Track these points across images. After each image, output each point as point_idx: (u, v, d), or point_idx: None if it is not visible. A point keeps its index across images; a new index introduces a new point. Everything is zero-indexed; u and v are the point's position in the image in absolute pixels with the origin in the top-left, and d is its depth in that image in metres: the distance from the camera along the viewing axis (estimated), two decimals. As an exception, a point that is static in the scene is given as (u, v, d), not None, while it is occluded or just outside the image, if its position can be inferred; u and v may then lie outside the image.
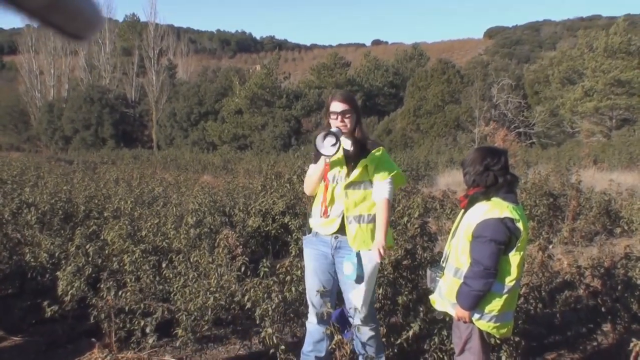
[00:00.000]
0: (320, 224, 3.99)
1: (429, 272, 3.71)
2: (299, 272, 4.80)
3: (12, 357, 4.85)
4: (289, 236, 7.60)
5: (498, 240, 3.35)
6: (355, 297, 3.84)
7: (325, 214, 3.95)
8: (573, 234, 9.39)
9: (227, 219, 8.01)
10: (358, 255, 3.83)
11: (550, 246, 7.69)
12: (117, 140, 50.97)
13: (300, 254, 6.64)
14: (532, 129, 44.49)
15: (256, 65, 64.36)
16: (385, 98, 59.27)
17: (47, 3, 0.65)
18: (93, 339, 4.95)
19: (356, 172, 3.84)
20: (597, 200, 10.61)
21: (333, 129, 3.75)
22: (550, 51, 64.01)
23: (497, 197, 3.49)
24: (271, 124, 46.25)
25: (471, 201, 3.56)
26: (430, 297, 3.78)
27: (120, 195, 9.33)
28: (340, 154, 3.85)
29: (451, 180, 21.16)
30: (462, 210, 3.68)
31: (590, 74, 40.44)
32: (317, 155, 3.92)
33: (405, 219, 5.96)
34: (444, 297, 3.60)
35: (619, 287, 4.78)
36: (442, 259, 3.76)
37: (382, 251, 3.75)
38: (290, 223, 7.81)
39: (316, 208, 4.07)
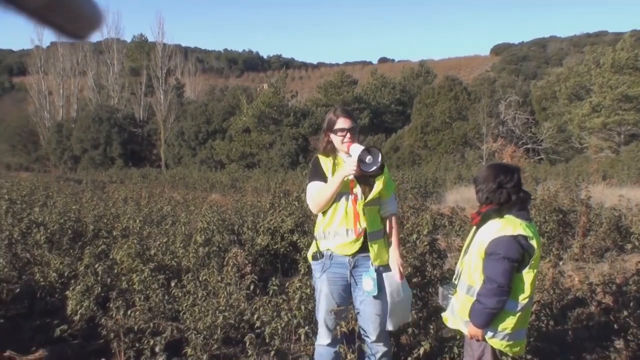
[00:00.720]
0: (344, 244, 3.87)
1: (440, 289, 3.69)
2: (308, 290, 4.77)
3: (21, 377, 4.84)
4: (298, 254, 7.59)
5: (511, 258, 3.33)
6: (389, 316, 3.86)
7: (356, 231, 3.83)
8: (583, 250, 9.33)
9: (235, 238, 8.01)
10: (377, 270, 3.83)
11: (561, 263, 7.65)
12: (126, 160, 51.17)
13: (308, 272, 6.64)
14: (540, 145, 44.40)
15: (263, 84, 64.57)
16: (392, 115, 59.33)
17: (47, 3, 0.65)
18: (102, 359, 4.94)
19: (377, 189, 3.82)
20: (607, 216, 10.55)
21: (358, 149, 3.71)
22: (557, 67, 64.12)
23: (510, 215, 3.48)
24: (279, 142, 46.34)
25: (483, 218, 3.54)
26: (443, 314, 3.75)
27: (129, 215, 9.36)
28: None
29: (459, 197, 21.11)
30: (474, 228, 3.66)
31: (598, 90, 40.37)
32: (321, 176, 3.89)
33: (415, 236, 5.94)
34: (457, 314, 3.57)
35: (631, 304, 4.74)
36: (454, 277, 3.73)
37: (402, 269, 3.83)
38: (299, 241, 7.79)
39: (334, 228, 3.91)
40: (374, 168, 3.66)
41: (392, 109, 59.81)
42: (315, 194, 3.92)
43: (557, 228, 9.60)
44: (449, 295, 3.64)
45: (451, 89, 47.41)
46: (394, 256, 3.88)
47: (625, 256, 9.46)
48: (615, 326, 4.81)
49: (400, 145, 48.32)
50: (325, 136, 4.02)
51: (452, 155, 42.96)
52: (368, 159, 3.66)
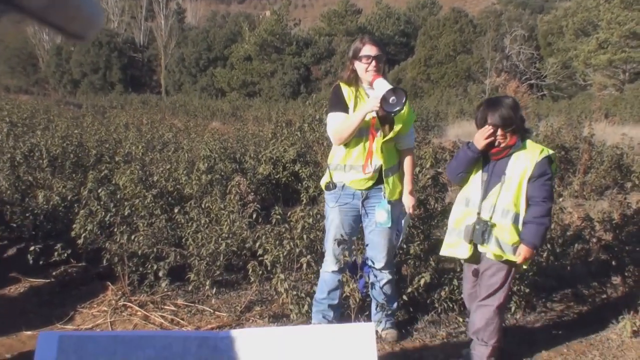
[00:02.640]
0: (359, 179, 3.88)
1: (477, 227, 3.69)
2: (311, 220, 4.80)
3: (27, 298, 4.92)
4: (300, 184, 7.61)
5: (554, 176, 3.67)
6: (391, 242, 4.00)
7: (367, 169, 3.85)
8: (584, 187, 9.36)
9: (237, 166, 8.01)
10: (390, 202, 3.88)
11: (561, 199, 7.69)
12: (126, 85, 50.76)
13: (310, 202, 6.67)
14: (544, 80, 44.03)
15: (266, 11, 63.46)
16: (396, 47, 58.47)
17: (47, 3, 0.63)
18: (107, 282, 5.02)
19: (396, 128, 3.79)
20: (609, 154, 10.54)
21: (389, 85, 3.62)
22: (565, 1, 62.75)
23: (529, 140, 3.68)
24: (280, 71, 45.91)
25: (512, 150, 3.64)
26: (482, 249, 3.75)
27: (131, 140, 9.35)
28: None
29: (461, 131, 21.07)
30: (491, 163, 3.68)
31: (605, 26, 39.69)
32: (343, 106, 3.85)
33: (417, 169, 5.94)
34: (505, 244, 3.61)
35: (630, 241, 4.78)
36: (478, 212, 3.71)
37: (412, 210, 3.95)
38: (300, 171, 7.80)
39: (350, 162, 3.91)
40: (397, 109, 3.59)
41: (396, 41, 58.90)
42: (337, 126, 3.84)
43: (559, 165, 9.60)
44: (488, 229, 3.65)
45: (457, 21, 46.65)
46: (407, 198, 3.95)
47: (625, 194, 9.51)
48: (613, 263, 4.87)
49: (402, 77, 47.85)
50: (350, 64, 3.92)
51: (455, 89, 42.64)
52: (392, 99, 3.55)
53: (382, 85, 3.62)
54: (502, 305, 3.80)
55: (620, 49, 38.80)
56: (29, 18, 0.64)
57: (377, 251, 4.03)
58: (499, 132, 3.55)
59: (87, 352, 1.09)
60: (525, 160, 3.56)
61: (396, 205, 3.95)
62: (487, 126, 3.57)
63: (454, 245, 3.82)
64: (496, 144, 3.61)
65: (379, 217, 3.88)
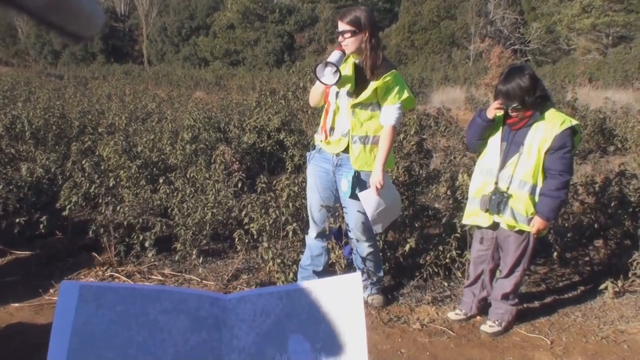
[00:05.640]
0: (325, 141, 3.98)
1: (493, 197, 3.72)
2: (296, 188, 4.82)
3: (13, 270, 4.91)
4: (284, 153, 7.61)
5: (574, 148, 3.63)
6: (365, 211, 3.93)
7: (325, 138, 3.96)
8: (567, 151, 9.41)
9: (222, 135, 7.98)
10: (356, 173, 3.86)
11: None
12: (107, 56, 50.16)
13: (295, 171, 6.68)
14: (528, 46, 43.97)
15: (248, -22, 62.59)
16: (379, 13, 57.95)
17: (47, 3, 0.62)
18: (93, 253, 5.02)
19: (365, 95, 3.78)
20: (592, 118, 10.62)
21: (331, 58, 3.67)
22: (549, -35, 62.44)
23: (552, 109, 3.67)
24: (264, 39, 45.53)
25: (531, 120, 3.64)
26: (497, 219, 3.78)
27: (114, 111, 9.27)
28: (347, 73, 3.81)
29: (445, 97, 21.10)
30: (510, 133, 3.71)
31: (589, -11, 39.63)
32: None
33: (402, 136, 5.95)
34: (519, 214, 3.65)
35: (613, 204, 4.83)
36: (496, 182, 3.74)
37: (378, 186, 3.78)
38: (285, 140, 7.79)
39: (320, 124, 4.07)
40: (325, 80, 3.71)
41: (380, 7, 58.37)
42: (311, 90, 4.10)
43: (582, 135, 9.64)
44: (504, 199, 3.68)
45: (440, -14, 46.31)
46: (373, 174, 3.84)
47: (608, 158, 9.59)
48: (596, 226, 4.92)
49: (387, 44, 47.59)
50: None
51: (439, 55, 42.53)
52: (327, 70, 3.69)
53: (331, 57, 3.70)
54: (527, 269, 4.05)
55: (603, 12, 38.78)
56: (29, 17, 0.64)
57: (351, 222, 4.04)
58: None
59: (106, 301, 1.14)
60: (544, 132, 3.57)
61: (368, 179, 3.94)
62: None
63: (475, 214, 3.87)
64: (511, 114, 3.64)
65: (342, 185, 3.91)
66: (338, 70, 3.62)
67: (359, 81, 3.83)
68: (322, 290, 1.25)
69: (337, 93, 3.89)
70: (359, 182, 3.87)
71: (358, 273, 1.28)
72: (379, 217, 3.88)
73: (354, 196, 3.87)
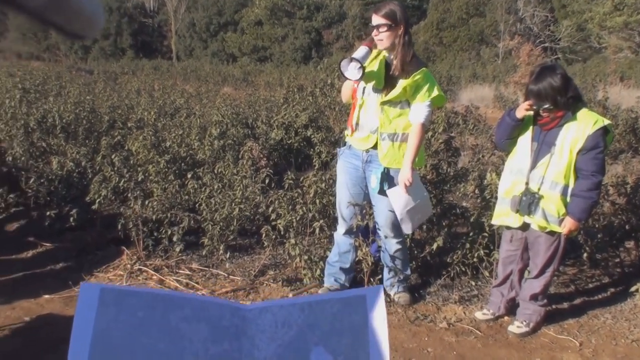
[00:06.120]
0: (356, 139, 3.98)
1: (524, 198, 3.69)
2: (323, 184, 4.82)
3: (44, 262, 4.98)
4: (312, 149, 7.61)
5: (606, 148, 3.60)
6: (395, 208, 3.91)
7: (352, 133, 3.98)
8: (598, 151, 9.28)
9: (249, 131, 8.01)
10: (386, 170, 3.85)
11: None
12: (136, 51, 50.52)
13: (322, 167, 6.68)
14: (558, 43, 43.40)
15: (276, -25, 62.66)
16: (408, 10, 57.77)
17: (47, 3, 0.62)
18: (122, 247, 5.07)
19: (395, 92, 3.77)
20: (624, 117, 10.45)
21: (357, 54, 3.67)
22: (581, -38, 61.59)
23: (585, 108, 3.64)
24: (291, 35, 45.54)
25: (563, 120, 3.60)
26: (528, 220, 3.75)
27: (143, 106, 9.35)
28: (375, 69, 3.80)
29: (474, 95, 20.91)
30: (541, 133, 3.68)
31: (622, -13, 38.98)
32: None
33: (430, 134, 5.92)
34: (551, 215, 3.62)
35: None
36: (527, 182, 3.71)
37: (407, 184, 3.79)
38: (312, 136, 7.79)
39: (349, 120, 4.07)
40: (349, 75, 3.69)
41: (408, 3, 58.07)
42: (343, 86, 4.10)
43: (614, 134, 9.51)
44: (535, 200, 3.66)
45: (470, -17, 45.94)
46: (402, 172, 3.84)
47: None
48: (627, 227, 4.85)
49: (415, 41, 47.17)
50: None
51: (468, 53, 42.17)
52: (350, 65, 3.68)
53: (356, 53, 3.70)
54: (557, 269, 4.03)
55: (636, 10, 38.08)
56: (29, 18, 0.64)
57: (380, 219, 4.04)
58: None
59: (127, 305, 1.14)
60: (576, 132, 3.53)
61: (397, 176, 3.93)
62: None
63: (505, 214, 3.84)
64: (542, 114, 3.61)
65: (371, 181, 3.91)
66: (362, 66, 3.61)
67: (388, 78, 3.81)
68: (344, 303, 1.24)
69: (364, 89, 3.89)
70: (387, 179, 3.87)
71: (381, 286, 1.27)
72: (408, 215, 3.87)
73: (382, 192, 3.88)
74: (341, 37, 45.46)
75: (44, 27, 0.67)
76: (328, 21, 46.51)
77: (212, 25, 49.42)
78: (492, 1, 43.33)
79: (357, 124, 3.93)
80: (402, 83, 3.74)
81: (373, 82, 3.83)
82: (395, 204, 3.84)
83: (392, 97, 3.77)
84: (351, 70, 3.66)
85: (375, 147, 3.90)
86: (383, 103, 3.80)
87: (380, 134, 3.84)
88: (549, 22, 44.36)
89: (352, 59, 3.65)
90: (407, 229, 3.97)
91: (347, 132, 4.06)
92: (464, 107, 11.99)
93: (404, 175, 3.80)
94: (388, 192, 3.85)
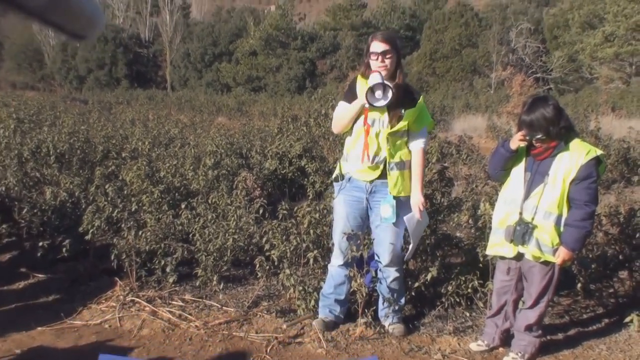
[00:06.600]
0: (361, 170, 3.96)
1: (518, 228, 3.70)
2: (317, 215, 4.81)
3: (36, 293, 4.95)
4: (306, 179, 7.61)
5: (600, 177, 3.67)
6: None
7: (364, 160, 3.91)
8: (590, 181, 9.31)
9: (244, 161, 8.02)
10: (396, 199, 3.87)
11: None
12: (131, 81, 50.71)
13: (316, 197, 6.68)
14: (550, 74, 43.82)
15: (271, 6, 63.44)
16: (401, 41, 58.31)
17: (47, 3, 0.63)
18: (115, 278, 5.03)
19: (404, 122, 3.80)
20: (616, 147, 10.52)
21: (375, 80, 3.68)
22: (571, -6, 62.36)
23: (577, 139, 3.66)
24: (286, 66, 45.82)
25: (555, 150, 3.62)
26: (522, 250, 3.75)
27: (138, 136, 9.36)
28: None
29: (467, 125, 21.05)
30: (534, 163, 3.71)
31: (612, 19, 39.40)
32: (352, 97, 3.90)
33: (423, 163, 5.94)
34: (545, 245, 3.63)
35: (638, 235, 4.77)
36: (520, 212, 3.72)
37: (421, 207, 3.86)
38: (307, 166, 7.80)
39: (354, 153, 3.99)
40: (380, 103, 3.69)
41: (401, 35, 58.69)
42: (336, 114, 4.04)
43: (607, 165, 9.54)
44: (529, 231, 3.67)
45: (462, 14, 46.46)
46: (415, 196, 3.92)
47: (632, 188, 9.48)
48: (621, 257, 4.86)
49: (408, 71, 47.68)
50: (366, 58, 3.96)
51: (461, 83, 42.53)
52: (377, 93, 3.68)
53: (374, 79, 3.70)
54: (551, 299, 4.03)
55: (626, 41, 38.54)
56: (29, 18, 0.64)
57: (382, 248, 4.04)
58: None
59: None
60: (569, 162, 3.56)
61: (405, 203, 3.95)
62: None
63: (499, 244, 3.85)
64: (535, 145, 3.63)
65: (383, 211, 3.91)
66: (388, 86, 3.63)
67: (391, 109, 3.84)
68: None
69: (373, 120, 3.89)
70: (398, 207, 3.90)
71: None
72: (418, 238, 3.94)
73: (396, 223, 3.92)
74: (335, 68, 45.76)
75: (44, 27, 0.67)
76: (322, 51, 46.87)
77: (207, 56, 49.71)
78: (485, 32, 43.82)
79: (375, 154, 3.90)
80: (410, 112, 3.79)
81: (377, 114, 3.84)
82: (412, 228, 3.92)
83: (400, 127, 3.81)
84: (383, 98, 3.68)
85: (379, 177, 3.92)
86: (391, 134, 3.83)
87: (389, 163, 3.87)
88: (541, 53, 44.84)
89: (385, 83, 3.66)
90: (411, 254, 4.03)
91: (354, 164, 4.00)
92: (457, 137, 12.07)
93: (418, 199, 3.89)
94: (405, 218, 3.90)
